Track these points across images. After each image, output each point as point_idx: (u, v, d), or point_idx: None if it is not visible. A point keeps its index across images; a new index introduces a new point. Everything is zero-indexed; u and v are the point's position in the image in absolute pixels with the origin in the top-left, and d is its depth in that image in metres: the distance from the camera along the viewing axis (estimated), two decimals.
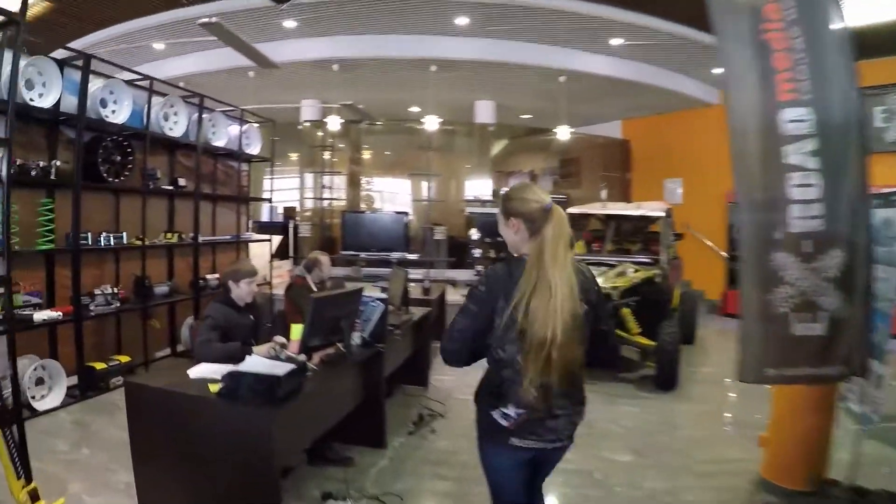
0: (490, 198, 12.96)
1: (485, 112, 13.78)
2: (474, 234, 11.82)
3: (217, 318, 4.49)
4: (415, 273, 11.70)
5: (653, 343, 6.99)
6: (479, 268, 11.65)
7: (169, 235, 7.85)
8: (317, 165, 13.50)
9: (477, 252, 11.75)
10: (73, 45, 8.75)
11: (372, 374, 4.87)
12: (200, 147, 8.22)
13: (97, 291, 6.69)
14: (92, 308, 6.58)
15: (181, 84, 9.76)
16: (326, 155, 13.37)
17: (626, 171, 15.56)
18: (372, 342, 4.72)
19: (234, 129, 9.17)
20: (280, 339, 4.37)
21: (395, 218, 12.63)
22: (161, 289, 7.61)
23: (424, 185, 13.36)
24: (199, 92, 8.38)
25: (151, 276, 7.49)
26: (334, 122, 11.90)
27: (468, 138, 14.46)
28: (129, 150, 6.97)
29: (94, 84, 6.58)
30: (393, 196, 14.96)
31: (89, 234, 6.56)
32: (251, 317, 4.85)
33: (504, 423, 2.42)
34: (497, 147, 15.26)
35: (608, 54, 11.15)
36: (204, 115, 8.34)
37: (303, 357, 3.87)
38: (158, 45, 10.60)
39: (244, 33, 8.76)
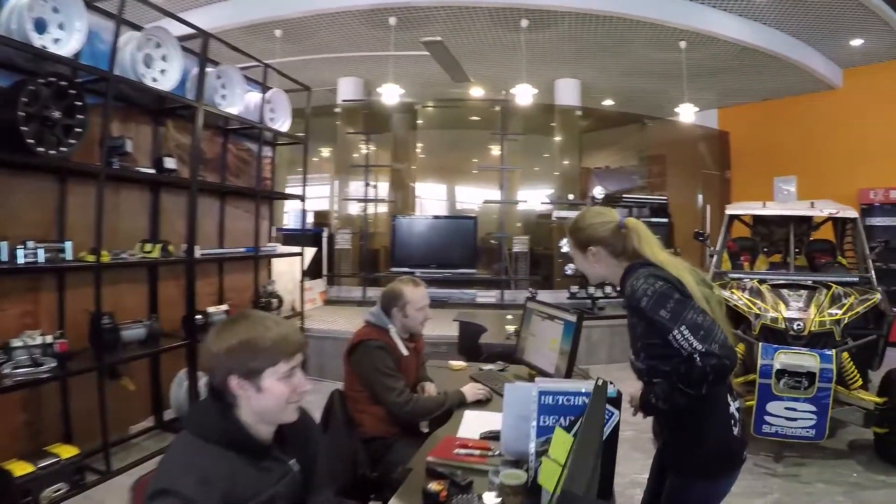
0: (579, 200, 10.11)
1: (568, 93, 11.23)
2: (565, 245, 8.94)
3: None
4: (484, 296, 9.19)
5: (880, 400, 4.85)
6: (574, 288, 8.97)
7: (148, 247, 5.01)
8: (356, 160, 10.58)
9: (569, 268, 8.90)
10: None
11: None
12: (202, 112, 5.38)
13: (15, 343, 3.91)
14: (7, 371, 3.78)
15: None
16: (371, 147, 10.48)
17: (724, 168, 13.11)
18: None
19: (254, 95, 6.39)
20: None
21: (460, 224, 9.97)
22: (134, 331, 4.80)
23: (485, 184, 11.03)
24: (200, 28, 5.54)
25: (118, 311, 4.70)
26: (391, 94, 8.99)
27: (546, 131, 11.69)
28: (79, 102, 4.13)
29: None
30: (449, 199, 12.38)
31: (3, 245, 3.81)
32: (291, 462, 1.85)
33: (737, 429, 2.22)
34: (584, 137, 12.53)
35: (741, 13, 8.94)
36: (209, 69, 5.57)
37: None
38: None
39: None
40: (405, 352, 3.29)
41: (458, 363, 4.04)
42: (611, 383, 1.94)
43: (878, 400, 4.84)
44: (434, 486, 2.02)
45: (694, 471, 2.22)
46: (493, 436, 2.41)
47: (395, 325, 3.31)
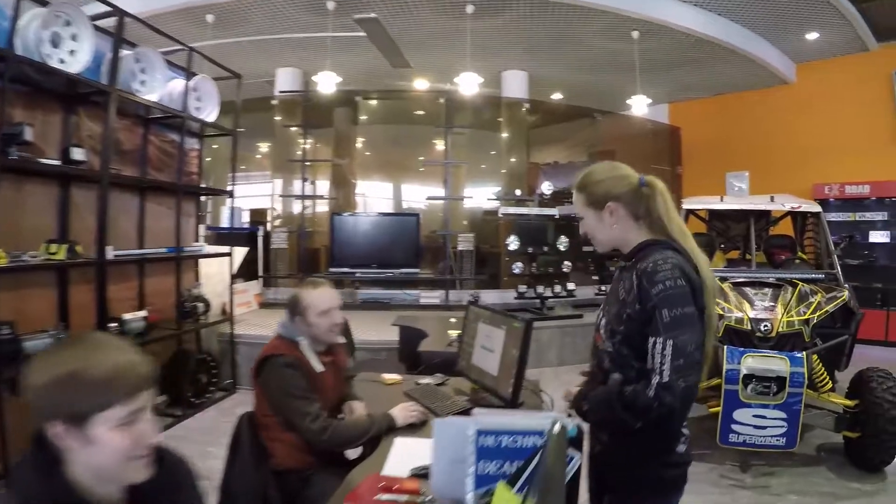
0: (527, 196, 9.79)
1: (515, 85, 10.92)
2: (512, 242, 8.64)
3: None
4: (428, 296, 8.86)
5: (851, 403, 4.62)
6: (522, 287, 8.65)
7: (53, 247, 4.51)
8: (296, 155, 9.99)
9: (517, 267, 8.61)
10: None
11: None
12: (115, 98, 4.89)
13: None
14: None
15: None
16: (310, 142, 10.04)
17: (675, 163, 12.99)
18: None
19: (178, 83, 5.92)
20: None
21: (402, 222, 9.59)
22: (39, 342, 4.23)
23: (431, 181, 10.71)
24: (115, 5, 5.05)
25: (21, 320, 4.20)
26: (328, 82, 8.50)
27: (493, 126, 11.34)
28: None
29: None
30: (395, 196, 12.08)
31: None
32: None
33: (683, 447, 1.97)
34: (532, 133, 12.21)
35: (696, 3, 8.76)
36: (127, 52, 5.13)
37: None
38: None
39: None
40: (319, 368, 2.82)
41: (392, 376, 3.56)
42: (568, 415, 1.60)
43: (849, 403, 4.64)
44: None
45: (647, 488, 1.98)
46: (425, 473, 1.99)
47: (302, 334, 2.84)
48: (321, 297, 2.86)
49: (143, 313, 5.29)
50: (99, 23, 4.95)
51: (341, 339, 3.08)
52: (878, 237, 9.66)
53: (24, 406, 3.16)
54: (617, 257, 2.13)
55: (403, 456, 2.36)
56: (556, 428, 1.33)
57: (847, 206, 9.94)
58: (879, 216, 9.73)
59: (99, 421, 1.27)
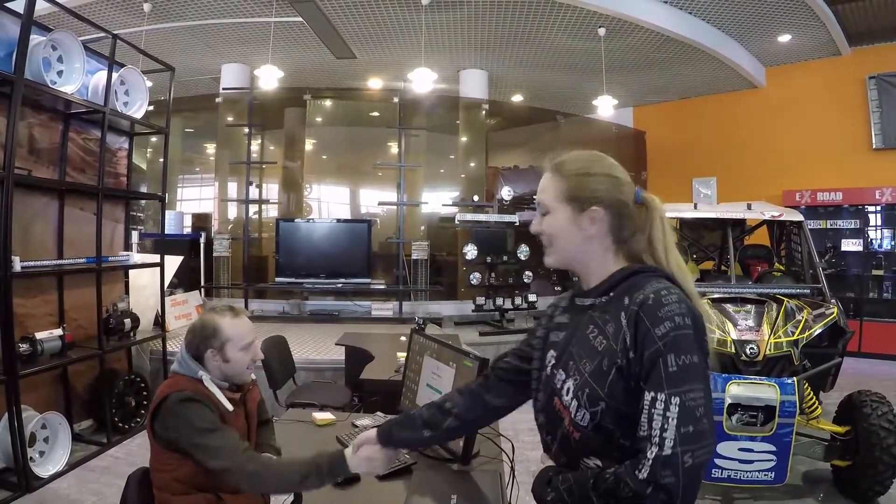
0: (485, 202, 9.39)
1: (474, 85, 10.52)
2: (470, 251, 8.22)
3: None
4: (380, 308, 8.41)
5: (841, 429, 4.25)
6: (480, 299, 8.26)
7: None
8: (241, 156, 9.44)
9: (475, 277, 8.20)
10: None
11: None
12: (21, 88, 4.26)
13: None
14: None
15: None
16: (255, 145, 9.53)
17: (640, 169, 12.71)
18: None
19: (103, 75, 5.31)
20: None
21: (353, 229, 9.11)
22: None
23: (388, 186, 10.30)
24: None
25: None
26: (270, 76, 8.00)
27: (451, 128, 10.90)
28: None
29: None
30: (352, 202, 11.72)
31: None
32: None
33: None
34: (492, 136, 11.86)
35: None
36: (40, 37, 4.52)
37: None
38: None
39: None
40: (230, 406, 2.26)
41: (324, 416, 2.95)
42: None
43: (839, 430, 4.29)
44: None
45: None
46: None
47: (209, 371, 2.28)
48: (246, 328, 2.34)
49: (58, 332, 4.69)
50: (12, 5, 4.38)
51: (253, 376, 2.52)
52: (850, 246, 9.47)
53: None
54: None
55: None
56: None
57: (818, 213, 9.77)
58: (851, 224, 9.55)
59: None
